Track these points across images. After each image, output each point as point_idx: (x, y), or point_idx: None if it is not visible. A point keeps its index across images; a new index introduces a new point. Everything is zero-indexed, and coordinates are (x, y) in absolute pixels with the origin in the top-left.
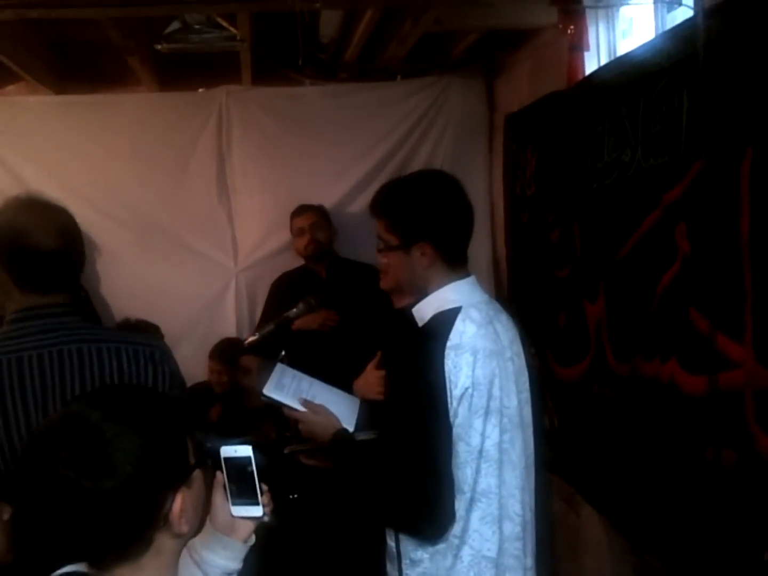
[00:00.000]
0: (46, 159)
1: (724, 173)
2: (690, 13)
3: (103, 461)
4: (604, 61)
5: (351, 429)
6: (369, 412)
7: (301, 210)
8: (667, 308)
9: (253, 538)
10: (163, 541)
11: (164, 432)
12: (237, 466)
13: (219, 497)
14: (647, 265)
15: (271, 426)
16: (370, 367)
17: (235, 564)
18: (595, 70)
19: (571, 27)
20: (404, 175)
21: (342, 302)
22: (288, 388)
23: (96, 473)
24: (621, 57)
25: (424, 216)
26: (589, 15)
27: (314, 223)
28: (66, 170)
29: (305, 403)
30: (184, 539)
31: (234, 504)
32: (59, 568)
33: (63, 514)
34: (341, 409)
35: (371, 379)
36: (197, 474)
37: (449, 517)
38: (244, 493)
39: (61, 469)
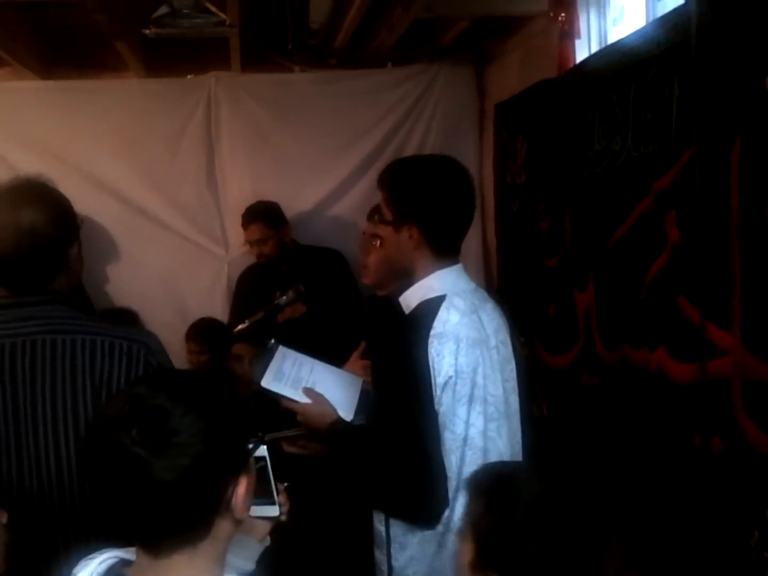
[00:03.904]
0: (32, 144)
1: (713, 162)
2: (681, 1)
3: (173, 441)
4: (595, 48)
5: (352, 412)
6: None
7: (248, 221)
8: (656, 296)
9: (269, 539)
10: (222, 527)
11: (227, 414)
12: None
13: None
14: (637, 254)
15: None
16: (355, 356)
17: (250, 564)
18: (586, 57)
19: (562, 14)
20: (419, 155)
21: (307, 290)
22: (287, 377)
23: (166, 452)
24: (612, 45)
25: (418, 199)
26: (580, 2)
27: (260, 239)
28: (52, 156)
29: (306, 391)
30: (237, 527)
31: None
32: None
33: (132, 494)
34: (342, 393)
35: (354, 369)
36: (252, 461)
37: (443, 502)
38: (259, 492)
39: (131, 448)
